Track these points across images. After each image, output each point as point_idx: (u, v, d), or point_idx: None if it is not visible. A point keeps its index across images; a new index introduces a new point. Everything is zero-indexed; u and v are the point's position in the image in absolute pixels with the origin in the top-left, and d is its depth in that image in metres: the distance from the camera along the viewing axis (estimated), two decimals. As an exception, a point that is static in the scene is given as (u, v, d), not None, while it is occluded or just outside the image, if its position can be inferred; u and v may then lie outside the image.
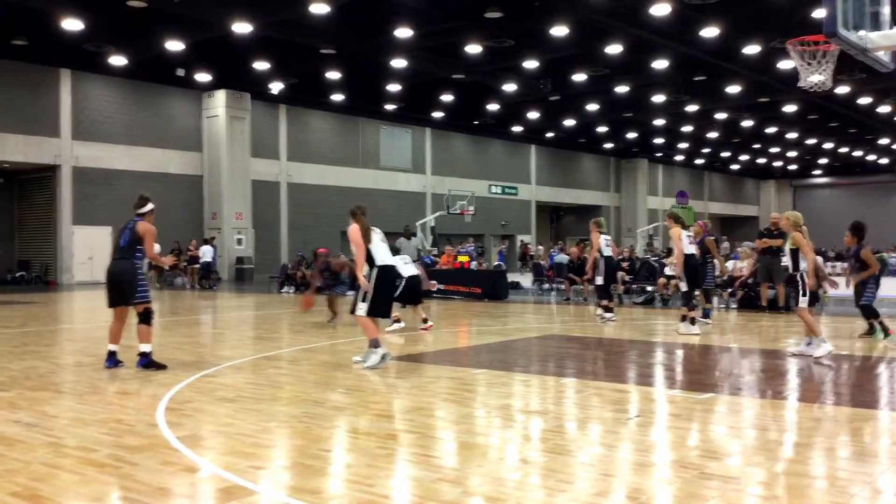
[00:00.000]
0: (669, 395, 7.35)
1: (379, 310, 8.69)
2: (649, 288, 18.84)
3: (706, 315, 13.00)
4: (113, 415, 6.40)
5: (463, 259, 22.75)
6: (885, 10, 9.23)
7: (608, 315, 13.76)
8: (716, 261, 13.73)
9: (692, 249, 11.88)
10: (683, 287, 11.73)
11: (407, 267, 11.40)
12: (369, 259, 8.61)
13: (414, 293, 11.89)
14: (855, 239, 10.83)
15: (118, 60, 27.31)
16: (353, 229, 8.62)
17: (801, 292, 9.15)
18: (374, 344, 8.57)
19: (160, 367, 8.52)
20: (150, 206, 8.69)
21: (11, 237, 31.12)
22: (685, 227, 11.98)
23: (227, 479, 4.57)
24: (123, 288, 8.53)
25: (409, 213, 35.90)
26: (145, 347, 8.63)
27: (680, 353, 10.23)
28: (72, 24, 22.49)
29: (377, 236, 8.73)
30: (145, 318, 8.61)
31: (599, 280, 13.89)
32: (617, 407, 6.70)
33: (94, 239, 28.95)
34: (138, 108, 31.21)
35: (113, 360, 8.69)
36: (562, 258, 22.58)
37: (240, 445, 5.35)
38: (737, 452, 5.18)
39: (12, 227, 31.20)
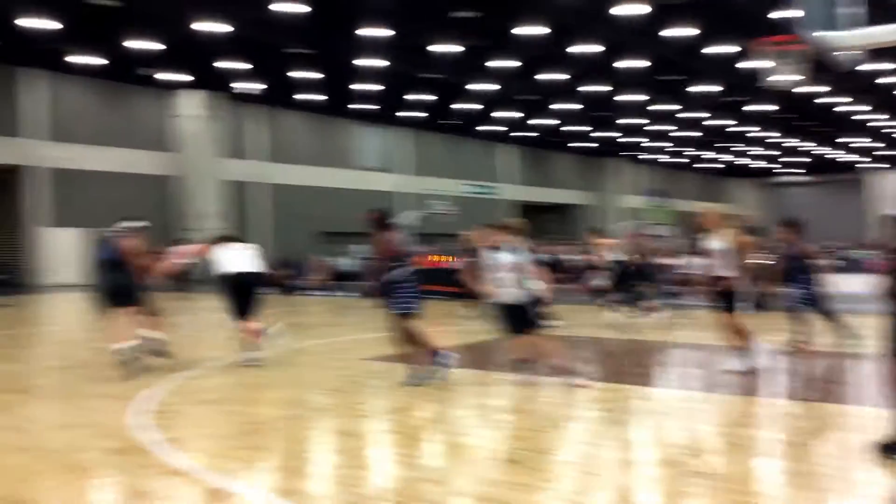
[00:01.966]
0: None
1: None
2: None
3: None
4: (93, 418, 6.34)
5: (437, 258, 22.70)
6: (850, 11, 9.43)
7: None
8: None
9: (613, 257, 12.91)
10: None
11: None
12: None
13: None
14: (794, 236, 9.86)
15: (87, 60, 26.89)
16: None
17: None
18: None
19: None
20: (132, 223, 8.98)
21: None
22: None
23: (209, 481, 4.56)
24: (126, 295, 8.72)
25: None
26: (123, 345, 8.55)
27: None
28: (36, 23, 21.94)
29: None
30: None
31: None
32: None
33: (66, 240, 28.56)
34: (109, 109, 30.82)
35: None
36: (541, 257, 22.68)
37: (221, 447, 5.33)
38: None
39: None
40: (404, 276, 7.48)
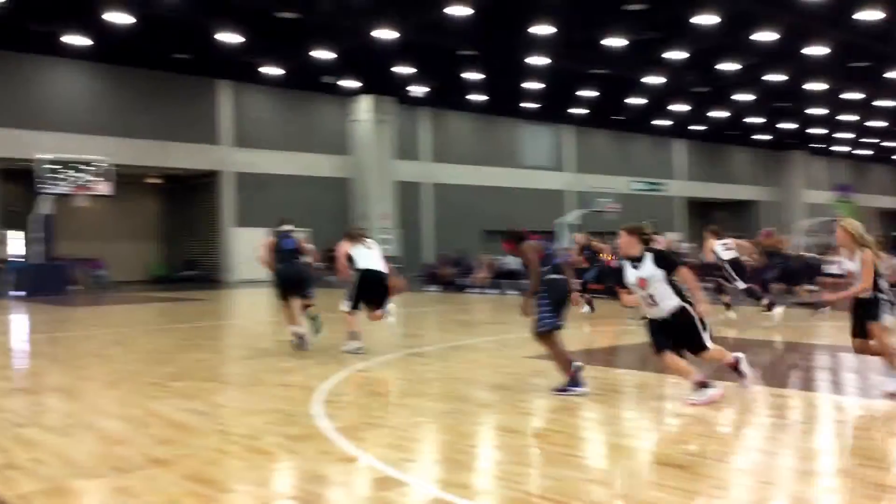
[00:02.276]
0: (836, 400, 6.95)
1: None
2: (813, 288, 17.47)
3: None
4: (275, 405, 6.78)
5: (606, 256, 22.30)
6: None
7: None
8: None
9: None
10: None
11: None
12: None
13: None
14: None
15: (272, 70, 28.83)
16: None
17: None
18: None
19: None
20: (290, 227, 10.29)
21: (181, 239, 33.51)
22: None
23: (381, 469, 4.76)
24: (304, 283, 10.22)
25: (548, 211, 35.71)
26: (300, 329, 9.92)
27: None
28: (229, 38, 23.96)
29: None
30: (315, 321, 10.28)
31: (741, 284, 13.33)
32: (776, 412, 6.42)
33: (253, 240, 30.65)
34: (291, 115, 32.78)
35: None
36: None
37: (391, 438, 5.54)
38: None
39: (181, 230, 33.58)
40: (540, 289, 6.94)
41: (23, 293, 22.85)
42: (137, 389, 7.55)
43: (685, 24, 23.17)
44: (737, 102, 35.54)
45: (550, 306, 6.89)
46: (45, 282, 23.26)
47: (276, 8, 21.82)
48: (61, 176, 23.79)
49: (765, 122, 41.89)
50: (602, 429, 5.96)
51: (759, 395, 6.86)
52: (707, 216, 52.89)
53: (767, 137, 46.97)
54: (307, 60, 26.93)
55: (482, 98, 34.52)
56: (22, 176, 28.07)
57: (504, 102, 35.69)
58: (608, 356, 9.94)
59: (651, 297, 6.40)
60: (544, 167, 40.83)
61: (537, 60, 27.16)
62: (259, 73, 29.20)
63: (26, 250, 27.68)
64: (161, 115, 29.21)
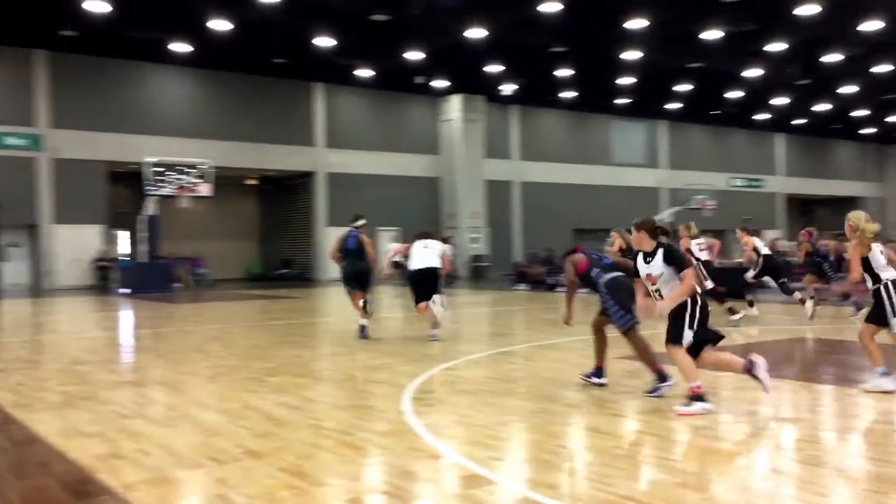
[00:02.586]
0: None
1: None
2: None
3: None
4: (365, 401, 6.90)
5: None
6: None
7: (735, 317, 12.52)
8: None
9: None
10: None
11: None
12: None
13: None
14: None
15: (364, 72, 29.35)
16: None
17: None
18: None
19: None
20: (363, 221, 11.69)
21: (277, 238, 34.50)
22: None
23: (468, 467, 4.77)
24: (365, 280, 11.48)
25: (641, 209, 34.95)
26: (363, 321, 11.16)
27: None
28: (324, 42, 24.63)
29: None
30: (365, 305, 11.27)
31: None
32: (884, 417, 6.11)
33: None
34: (382, 116, 33.26)
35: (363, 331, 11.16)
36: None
37: (479, 436, 5.54)
38: None
39: (277, 229, 34.57)
40: (607, 286, 6.98)
41: (128, 290, 24.01)
42: (235, 384, 7.82)
43: (786, 14, 22.34)
44: (841, 95, 34.03)
45: (617, 305, 6.96)
46: (149, 279, 24.36)
47: (370, 11, 22.20)
48: (166, 178, 24.86)
49: (870, 115, 39.96)
50: (696, 432, 5.80)
51: (859, 399, 6.55)
52: (808, 213, 50.89)
53: (873, 131, 44.79)
54: (398, 61, 27.28)
55: (573, 95, 34.17)
56: (129, 178, 29.53)
57: (595, 98, 35.22)
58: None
59: (659, 292, 6.21)
60: (637, 164, 40.09)
61: (630, 55, 26.70)
62: (351, 75, 29.76)
63: (132, 249, 29.07)
64: (259, 118, 30.16)
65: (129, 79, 28.08)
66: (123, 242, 29.96)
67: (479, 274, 32.59)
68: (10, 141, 26.01)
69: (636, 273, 6.44)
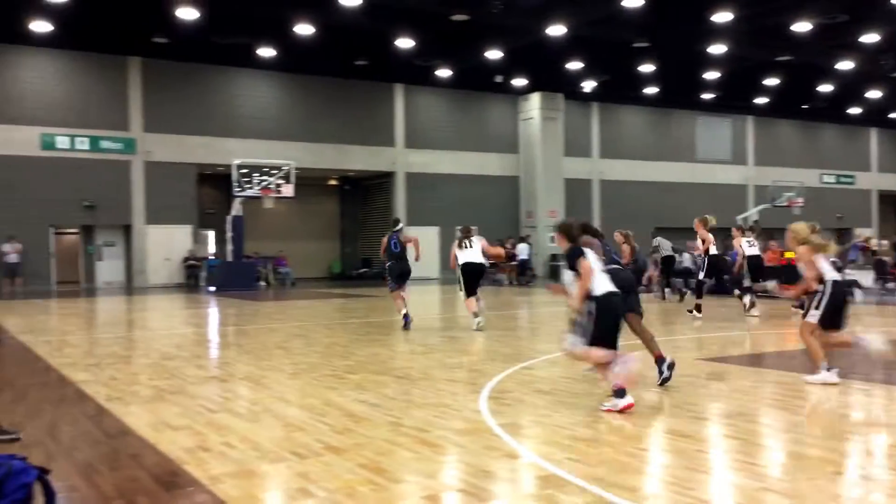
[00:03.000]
0: None
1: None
2: None
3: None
4: (442, 399, 6.94)
5: (790, 255, 21.04)
6: None
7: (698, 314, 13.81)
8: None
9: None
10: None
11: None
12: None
13: None
14: None
15: (443, 72, 29.51)
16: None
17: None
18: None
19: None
20: (401, 226, 13.59)
21: (356, 238, 35.03)
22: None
23: (545, 468, 4.75)
24: (406, 277, 13.22)
25: (727, 207, 34.09)
26: (405, 310, 12.72)
27: None
28: (404, 43, 24.89)
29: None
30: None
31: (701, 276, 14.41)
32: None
33: (422, 239, 31.47)
34: (461, 116, 33.36)
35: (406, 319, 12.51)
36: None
37: (556, 437, 5.51)
38: None
39: (357, 229, 35.10)
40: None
41: (213, 288, 24.78)
42: (316, 380, 7.99)
43: (879, 4, 21.40)
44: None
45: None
46: (235, 278, 25.09)
47: (450, 11, 22.30)
48: (251, 179, 25.56)
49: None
50: (782, 437, 5.63)
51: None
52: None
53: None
54: (477, 61, 27.32)
55: (655, 90, 33.54)
56: (216, 180, 30.47)
57: (679, 94, 34.49)
58: (789, 360, 9.36)
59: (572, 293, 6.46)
60: (722, 161, 39.06)
61: (716, 49, 26.04)
62: (431, 75, 29.96)
63: (218, 249, 30.01)
64: (340, 120, 30.69)
65: (216, 83, 28.98)
66: (210, 242, 30.97)
67: (556, 273, 32.32)
68: (106, 145, 27.18)
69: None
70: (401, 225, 13.76)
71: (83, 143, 26.77)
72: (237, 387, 7.83)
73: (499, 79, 31.12)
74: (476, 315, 12.12)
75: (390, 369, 8.79)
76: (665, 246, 19.80)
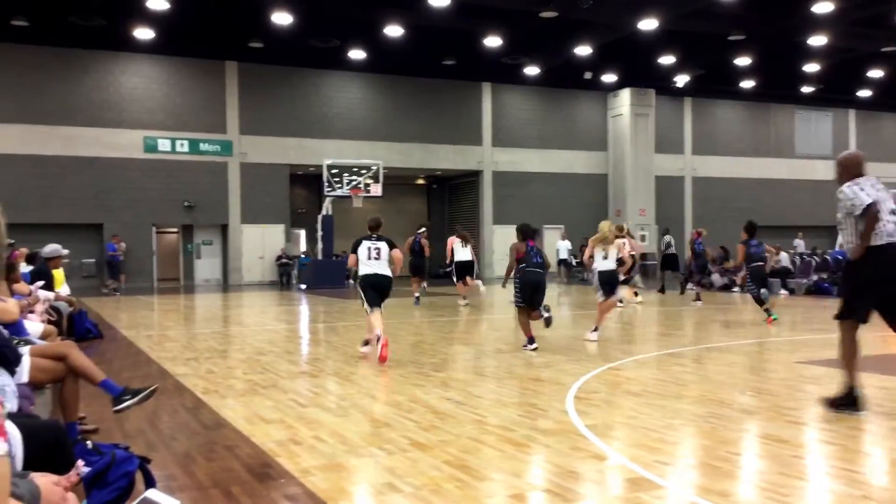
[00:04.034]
0: None
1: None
2: None
3: None
4: (528, 399, 6.92)
5: None
6: None
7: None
8: None
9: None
10: None
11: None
12: None
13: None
14: None
15: (531, 70, 29.36)
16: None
17: None
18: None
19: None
20: (424, 229, 16.68)
21: (444, 236, 35.17)
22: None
23: (634, 470, 4.67)
24: (421, 271, 17.82)
25: (827, 204, 32.67)
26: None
27: None
28: (492, 41, 24.89)
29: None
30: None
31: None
32: None
33: (509, 237, 31.41)
34: (548, 114, 33.11)
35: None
36: None
37: (645, 439, 5.41)
38: None
39: (444, 228, 35.27)
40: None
41: (304, 286, 25.35)
42: (402, 377, 8.08)
43: None
44: None
45: (519, 291, 9.97)
46: (325, 276, 25.63)
47: (539, 8, 22.17)
48: (341, 179, 26.06)
49: None
50: (884, 443, 5.37)
51: None
52: None
53: None
54: (566, 57, 27.06)
55: (751, 84, 32.49)
56: (307, 180, 31.17)
57: (777, 87, 33.30)
58: (892, 363, 8.92)
59: None
60: (822, 156, 37.51)
61: (816, 41, 25.03)
62: (519, 73, 29.86)
63: (308, 248, 30.70)
64: (428, 119, 30.92)
65: (307, 85, 29.65)
66: (302, 241, 31.71)
67: (646, 272, 31.68)
68: (206, 147, 28.21)
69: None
70: (423, 229, 18.28)
71: (183, 146, 27.86)
72: (327, 382, 8.00)
73: (588, 75, 30.74)
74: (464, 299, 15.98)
75: (476, 368, 8.82)
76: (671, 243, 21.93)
